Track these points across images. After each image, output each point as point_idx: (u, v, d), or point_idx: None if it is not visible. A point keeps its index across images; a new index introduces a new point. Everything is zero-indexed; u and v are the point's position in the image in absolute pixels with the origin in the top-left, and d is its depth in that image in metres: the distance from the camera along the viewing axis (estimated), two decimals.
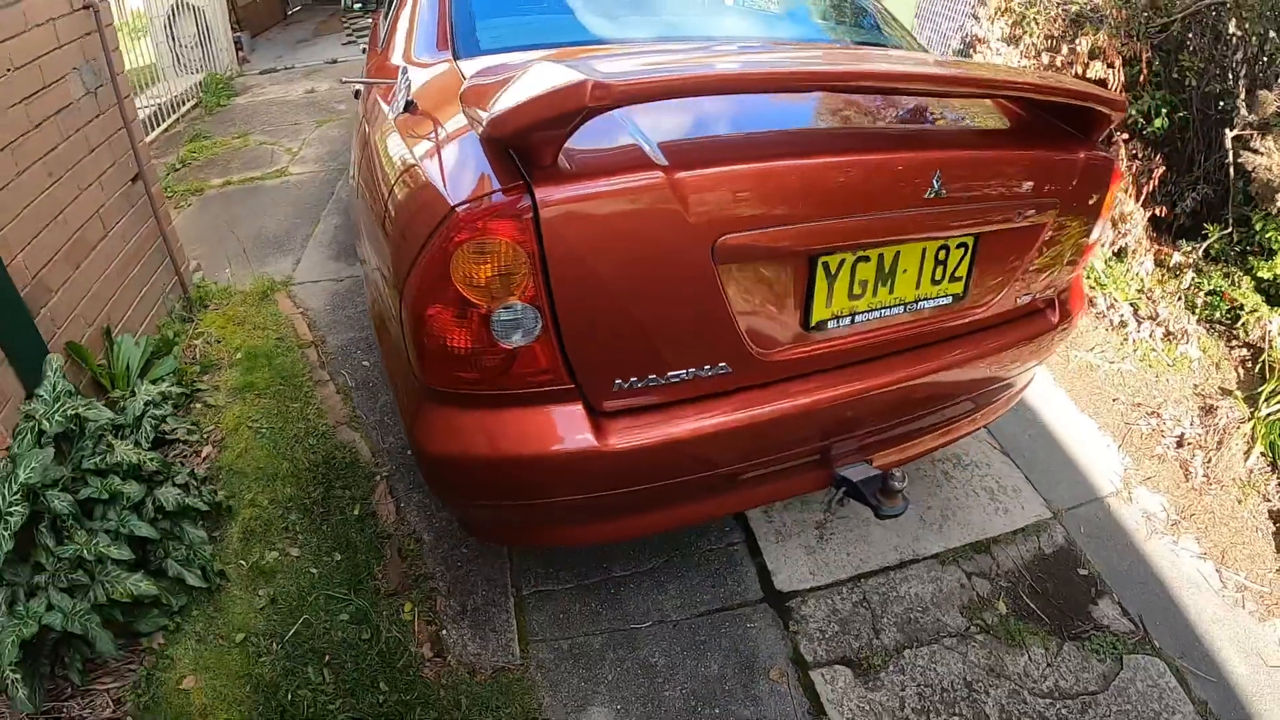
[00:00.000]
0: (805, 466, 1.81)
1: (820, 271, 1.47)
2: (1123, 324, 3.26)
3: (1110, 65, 3.20)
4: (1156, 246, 3.31)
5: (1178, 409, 3.03)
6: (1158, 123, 3.30)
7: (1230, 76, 3.26)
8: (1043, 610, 2.16)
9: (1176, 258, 3.21)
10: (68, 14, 2.34)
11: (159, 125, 5.46)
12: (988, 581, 2.23)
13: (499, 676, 1.89)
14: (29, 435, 1.68)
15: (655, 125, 1.41)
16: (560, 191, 1.22)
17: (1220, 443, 2.85)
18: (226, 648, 1.88)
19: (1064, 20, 3.41)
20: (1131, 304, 3.29)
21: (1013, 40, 3.58)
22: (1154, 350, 3.18)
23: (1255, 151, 2.87)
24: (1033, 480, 2.65)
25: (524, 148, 1.23)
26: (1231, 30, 3.16)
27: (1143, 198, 3.22)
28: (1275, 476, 2.71)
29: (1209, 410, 2.97)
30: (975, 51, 3.86)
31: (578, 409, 1.40)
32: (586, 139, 1.27)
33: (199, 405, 2.57)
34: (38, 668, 1.69)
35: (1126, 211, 3.19)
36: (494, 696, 1.84)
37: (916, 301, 1.65)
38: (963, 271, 1.67)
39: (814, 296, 1.49)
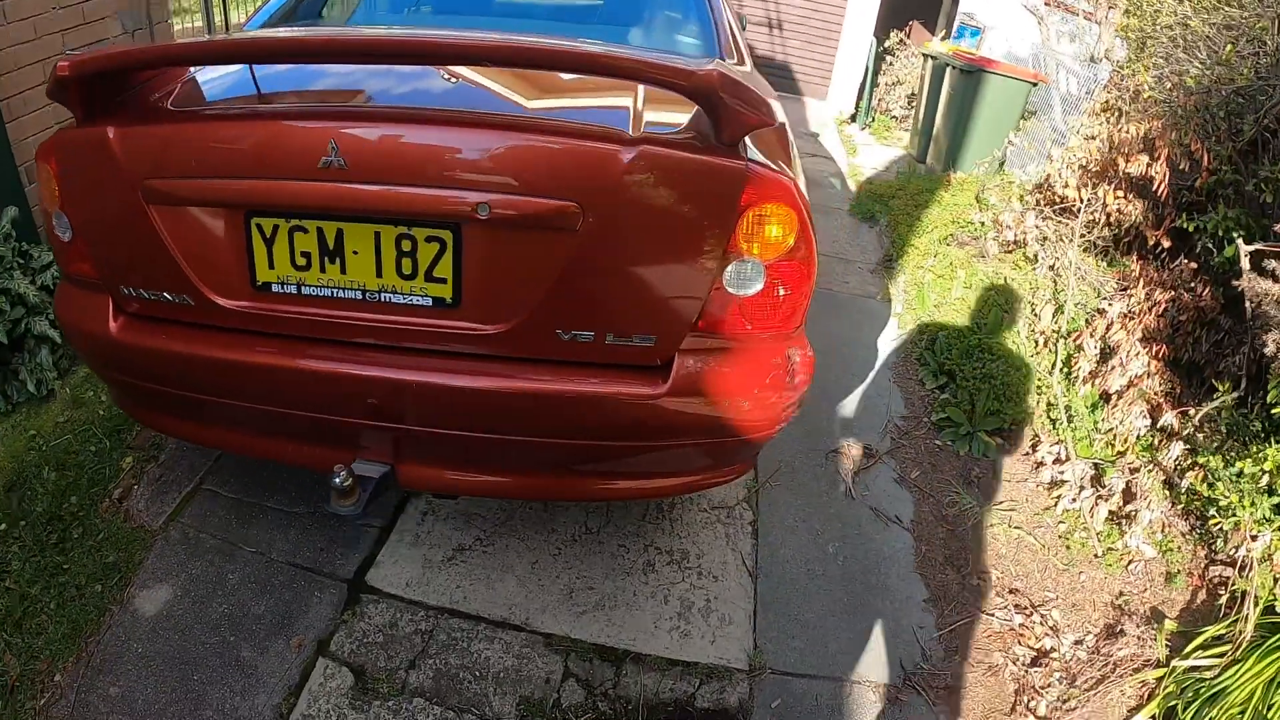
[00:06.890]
0: (313, 438, 1.86)
1: (255, 232, 1.58)
2: (1057, 483, 2.36)
3: (1155, 159, 2.25)
4: (1159, 401, 2.28)
5: (1069, 616, 2.19)
6: (1229, 250, 2.26)
7: None
8: None
9: (1168, 418, 2.20)
10: None
11: None
12: (585, 693, 1.93)
13: (138, 531, 2.25)
14: None
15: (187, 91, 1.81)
16: (62, 135, 1.67)
17: (1101, 681, 2.02)
18: (19, 435, 2.53)
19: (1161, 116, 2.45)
20: (1094, 464, 2.34)
21: (1092, 138, 2.69)
22: (1084, 530, 2.26)
23: (1268, 274, 1.85)
24: (759, 621, 2.14)
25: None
26: None
27: (1140, 329, 2.25)
28: None
29: (1113, 634, 2.10)
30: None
31: (107, 301, 1.76)
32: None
33: None
34: None
35: (1115, 342, 2.25)
36: (124, 540, 2.22)
37: (380, 292, 1.59)
38: (444, 272, 1.55)
39: (254, 255, 1.61)
